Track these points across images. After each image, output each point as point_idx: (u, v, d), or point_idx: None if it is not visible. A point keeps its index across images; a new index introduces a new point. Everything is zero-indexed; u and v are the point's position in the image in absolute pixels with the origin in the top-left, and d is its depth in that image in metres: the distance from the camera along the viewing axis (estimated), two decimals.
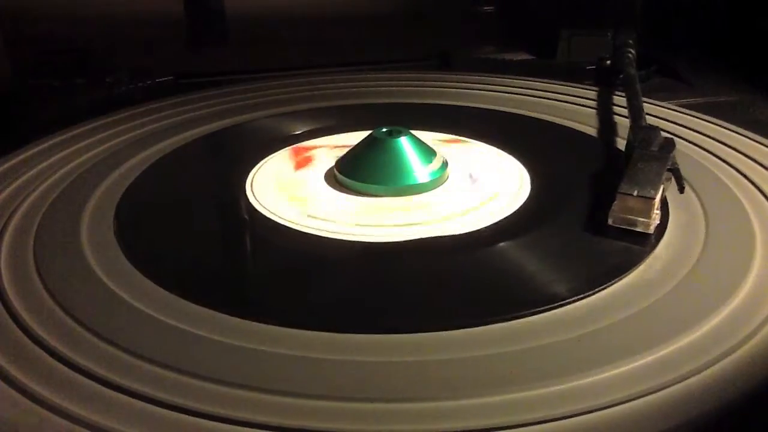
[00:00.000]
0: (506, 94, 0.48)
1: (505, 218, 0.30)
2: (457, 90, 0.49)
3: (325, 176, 0.34)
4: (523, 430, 0.17)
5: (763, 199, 0.30)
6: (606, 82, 0.49)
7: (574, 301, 0.23)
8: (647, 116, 0.36)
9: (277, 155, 0.38)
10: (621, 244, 0.27)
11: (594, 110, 0.44)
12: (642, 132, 0.33)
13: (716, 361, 0.20)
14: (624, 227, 0.27)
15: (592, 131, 0.40)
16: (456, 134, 0.40)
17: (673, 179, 0.30)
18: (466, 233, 0.28)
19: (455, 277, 0.26)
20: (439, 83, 0.51)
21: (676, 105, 0.44)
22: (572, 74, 0.54)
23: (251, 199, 0.32)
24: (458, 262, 0.27)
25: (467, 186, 0.33)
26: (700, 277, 0.24)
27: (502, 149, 0.37)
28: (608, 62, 0.52)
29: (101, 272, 0.25)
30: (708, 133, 0.38)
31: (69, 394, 0.19)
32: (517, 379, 0.19)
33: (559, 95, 0.47)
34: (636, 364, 0.20)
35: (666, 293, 0.23)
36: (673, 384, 0.19)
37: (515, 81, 0.51)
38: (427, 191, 0.32)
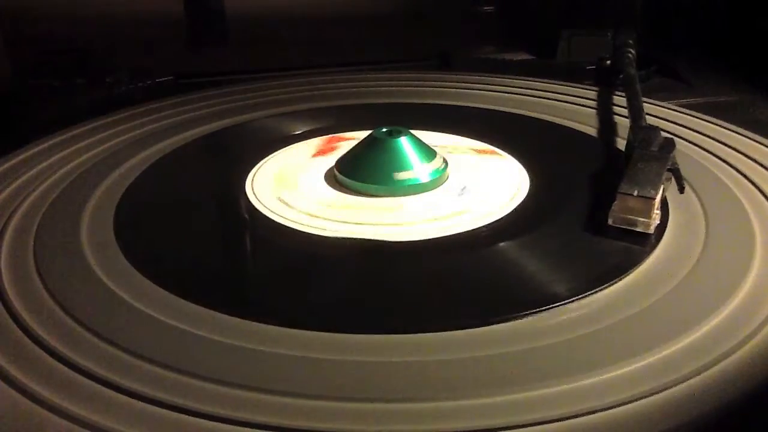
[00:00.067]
0: (506, 94, 0.48)
1: (504, 218, 0.30)
2: (457, 90, 0.49)
3: (325, 176, 0.34)
4: (524, 431, 0.17)
5: (763, 199, 0.30)
6: (606, 82, 0.49)
7: (574, 301, 0.23)
8: (647, 116, 0.36)
9: (305, 143, 0.38)
10: (621, 244, 0.27)
11: (594, 110, 0.44)
12: (642, 132, 0.33)
13: (716, 361, 0.20)
14: (624, 227, 0.27)
15: (592, 131, 0.40)
16: (490, 144, 0.38)
17: (673, 179, 0.30)
18: (465, 234, 0.28)
19: (455, 277, 0.26)
20: (439, 83, 0.51)
21: (676, 105, 0.44)
22: (572, 74, 0.53)
23: (251, 199, 0.32)
24: (458, 262, 0.27)
25: (454, 195, 0.32)
26: (700, 277, 0.24)
27: (503, 149, 0.37)
28: (608, 62, 0.52)
29: (101, 272, 0.25)
30: (708, 133, 0.38)
31: (69, 394, 0.19)
32: (517, 379, 0.19)
33: (559, 95, 0.47)
34: (636, 364, 0.20)
35: (666, 293, 0.23)
36: (673, 384, 0.19)
37: (515, 81, 0.51)
38: (427, 191, 0.32)
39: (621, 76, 0.46)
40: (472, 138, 0.39)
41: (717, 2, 0.61)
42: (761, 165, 0.33)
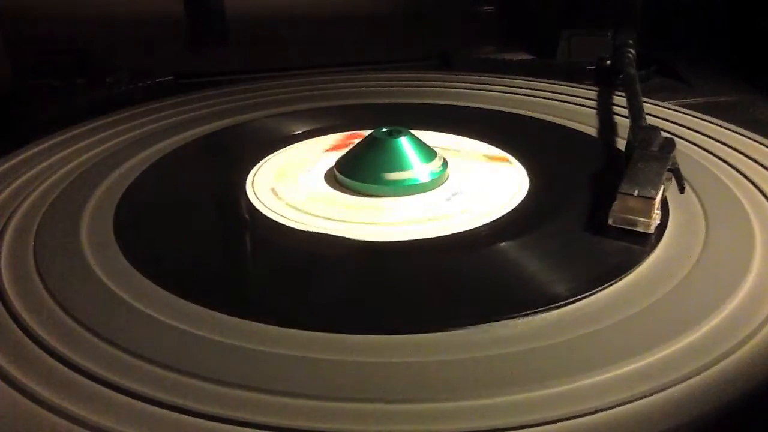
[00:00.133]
0: (506, 94, 0.48)
1: (504, 218, 0.30)
2: (457, 90, 0.49)
3: (324, 176, 0.34)
4: (524, 431, 0.17)
5: (763, 199, 0.30)
6: (606, 82, 0.49)
7: (574, 301, 0.23)
8: (647, 116, 0.36)
9: (321, 138, 0.39)
10: (621, 244, 0.27)
11: (594, 110, 0.44)
12: (642, 132, 0.33)
13: (716, 361, 0.20)
14: (624, 227, 0.27)
15: (592, 131, 0.40)
16: (504, 151, 0.37)
17: (673, 179, 0.30)
18: (465, 234, 0.28)
19: (455, 277, 0.26)
20: (439, 83, 0.51)
21: (676, 105, 0.44)
22: (572, 74, 0.54)
23: (251, 199, 0.32)
24: (458, 262, 0.27)
25: (442, 198, 0.32)
26: (700, 277, 0.24)
27: (503, 149, 0.37)
28: (608, 62, 0.52)
29: (101, 272, 0.25)
30: (708, 133, 0.38)
31: (69, 394, 0.19)
32: (517, 379, 0.19)
33: (559, 95, 0.47)
34: (636, 364, 0.20)
35: (666, 293, 0.23)
36: (673, 384, 0.19)
37: (515, 81, 0.51)
38: (427, 191, 0.32)
39: (621, 76, 0.46)
40: (472, 138, 0.39)
41: (717, 2, 0.61)
42: (761, 165, 0.33)
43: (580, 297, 0.23)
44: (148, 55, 0.57)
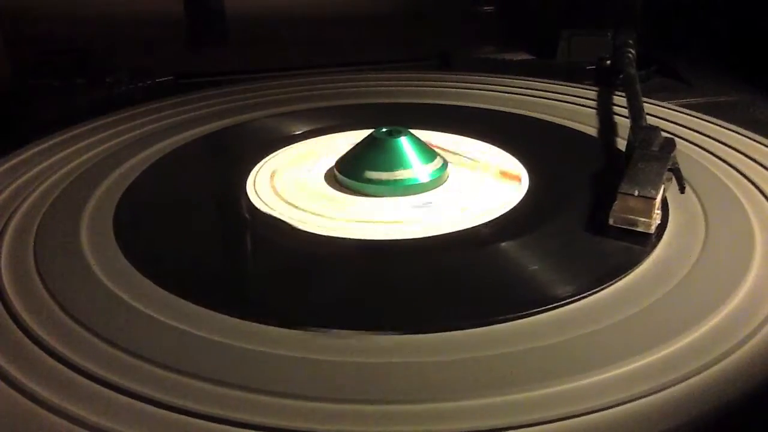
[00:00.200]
0: (506, 94, 0.48)
1: (505, 218, 0.30)
2: (457, 90, 0.49)
3: (324, 176, 0.34)
4: (524, 431, 0.17)
5: (763, 199, 0.30)
6: (606, 82, 0.49)
7: (574, 301, 0.23)
8: (647, 116, 0.36)
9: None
10: (621, 244, 0.27)
11: (594, 110, 0.44)
12: (642, 132, 0.33)
13: (716, 361, 0.20)
14: (625, 227, 0.27)
15: (592, 131, 0.40)
16: (515, 170, 0.35)
17: (673, 179, 0.30)
18: (466, 233, 0.28)
19: (455, 277, 0.26)
20: (439, 83, 0.51)
21: (676, 105, 0.44)
22: (572, 74, 0.54)
23: (251, 199, 0.32)
24: (458, 262, 0.27)
25: (415, 206, 0.31)
26: (700, 277, 0.24)
27: (503, 149, 0.37)
28: (608, 62, 0.52)
29: (101, 272, 0.25)
30: (708, 133, 0.38)
31: (69, 394, 0.19)
32: (517, 379, 0.19)
33: (559, 95, 0.47)
34: (636, 364, 0.20)
35: (666, 293, 0.23)
36: (673, 384, 0.19)
37: (515, 81, 0.51)
38: (427, 191, 0.32)
39: (621, 76, 0.46)
40: (473, 138, 0.39)
41: (717, 2, 0.61)
42: (761, 165, 0.33)
43: (580, 297, 0.23)
44: (148, 55, 0.57)
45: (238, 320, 0.22)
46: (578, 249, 0.27)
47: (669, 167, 0.29)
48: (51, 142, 0.39)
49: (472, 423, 0.18)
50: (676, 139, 0.34)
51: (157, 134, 0.41)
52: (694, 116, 0.41)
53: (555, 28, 0.60)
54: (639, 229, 0.27)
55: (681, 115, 0.42)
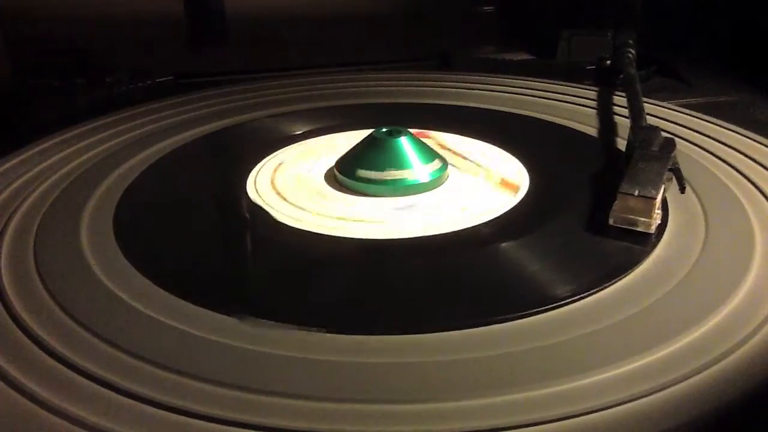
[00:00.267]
0: (506, 94, 0.48)
1: (504, 218, 0.30)
2: (457, 90, 0.49)
3: (325, 176, 0.34)
4: (524, 431, 0.17)
5: (763, 199, 0.30)
6: (606, 82, 0.49)
7: (574, 301, 0.23)
8: (647, 116, 0.36)
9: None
10: (622, 244, 0.27)
11: (594, 110, 0.44)
12: (642, 132, 0.33)
13: (716, 361, 0.20)
14: (625, 227, 0.27)
15: (592, 131, 0.40)
16: (515, 181, 0.33)
17: (674, 179, 0.30)
18: (465, 233, 0.28)
19: (455, 277, 0.26)
20: (439, 83, 0.51)
21: (676, 105, 0.44)
22: (572, 74, 0.54)
23: (250, 199, 0.32)
24: (458, 262, 0.27)
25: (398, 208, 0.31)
26: (700, 277, 0.24)
27: (503, 149, 0.37)
28: (608, 62, 0.52)
29: (101, 272, 0.25)
30: (708, 133, 0.38)
31: (68, 394, 0.19)
32: (517, 379, 0.19)
33: (559, 95, 0.47)
34: (636, 364, 0.20)
35: (666, 293, 0.23)
36: (673, 384, 0.19)
37: (515, 81, 0.51)
38: (426, 191, 0.32)
39: (621, 76, 0.46)
40: (474, 138, 0.39)
41: (717, 2, 0.61)
42: (761, 165, 0.33)
43: (580, 297, 0.23)
44: (148, 55, 0.57)
45: (237, 320, 0.22)
46: (578, 249, 0.27)
47: (669, 167, 0.29)
48: (51, 142, 0.39)
49: (472, 423, 0.18)
50: (676, 139, 0.34)
51: (157, 134, 0.41)
52: (694, 116, 0.41)
53: (555, 28, 0.60)
54: (639, 229, 0.27)
55: (681, 115, 0.42)
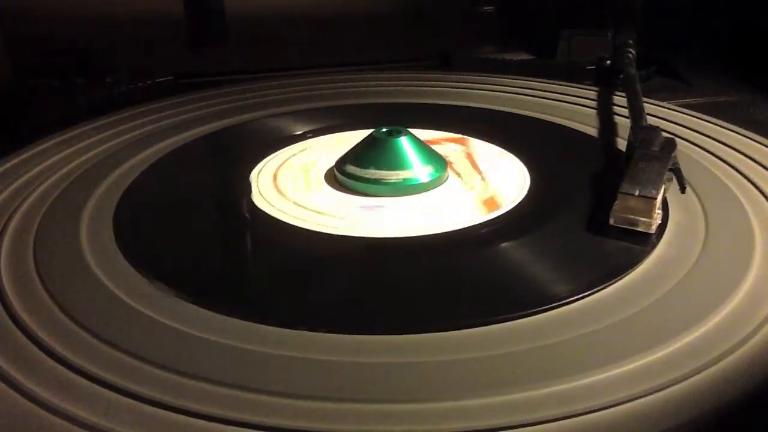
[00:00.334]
0: (506, 94, 0.48)
1: (505, 218, 0.30)
2: (457, 90, 0.49)
3: (325, 176, 0.34)
4: (524, 431, 0.17)
5: (762, 199, 0.30)
6: (606, 82, 0.49)
7: (574, 301, 0.23)
8: (647, 116, 0.36)
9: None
10: (622, 244, 0.27)
11: (594, 110, 0.44)
12: (643, 132, 0.33)
13: (716, 361, 0.20)
14: (625, 227, 0.27)
15: (592, 131, 0.40)
16: (501, 201, 0.31)
17: (674, 179, 0.30)
18: (466, 233, 0.28)
19: (455, 277, 0.26)
20: (439, 83, 0.51)
21: (676, 105, 0.44)
22: (572, 74, 0.54)
23: (251, 200, 0.32)
24: (458, 262, 0.27)
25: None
26: (700, 276, 0.24)
27: (503, 149, 0.37)
28: (608, 62, 0.52)
29: (101, 273, 0.25)
30: (708, 133, 0.38)
31: (68, 395, 0.19)
32: (517, 379, 0.19)
33: (559, 95, 0.47)
34: (636, 363, 0.20)
35: (666, 293, 0.23)
36: (673, 384, 0.19)
37: (515, 81, 0.51)
38: (426, 191, 0.32)
39: (621, 76, 0.46)
40: (475, 138, 0.39)
41: (717, 2, 0.61)
42: (761, 165, 0.33)
43: (580, 297, 0.23)
44: (148, 55, 0.57)
45: (237, 321, 0.22)
46: (578, 249, 0.27)
47: (669, 167, 0.29)
48: (51, 142, 0.39)
49: (472, 423, 0.18)
50: (677, 139, 0.34)
51: (157, 134, 0.41)
52: (694, 116, 0.41)
53: (555, 28, 0.60)
54: (639, 229, 0.27)
55: (681, 115, 0.42)
